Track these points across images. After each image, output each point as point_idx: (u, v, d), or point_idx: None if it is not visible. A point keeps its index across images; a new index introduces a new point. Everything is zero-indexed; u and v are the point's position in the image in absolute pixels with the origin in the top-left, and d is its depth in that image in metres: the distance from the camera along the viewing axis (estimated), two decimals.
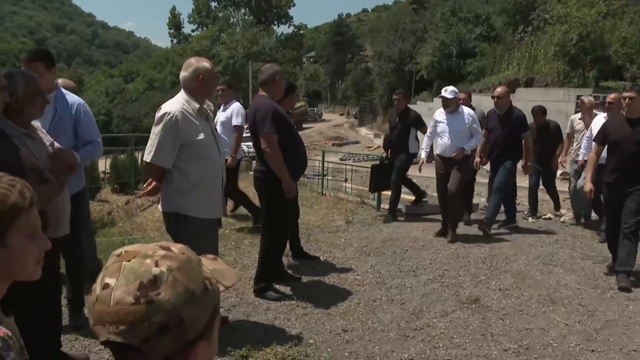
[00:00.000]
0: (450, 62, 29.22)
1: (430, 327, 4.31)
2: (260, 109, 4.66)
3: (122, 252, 0.99)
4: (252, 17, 60.21)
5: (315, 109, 58.71)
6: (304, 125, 43.38)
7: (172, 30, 63.53)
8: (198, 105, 3.73)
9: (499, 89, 7.54)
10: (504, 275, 5.60)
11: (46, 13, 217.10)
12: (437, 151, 7.06)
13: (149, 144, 3.65)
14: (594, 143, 5.84)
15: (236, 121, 7.12)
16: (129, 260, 0.95)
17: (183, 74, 3.77)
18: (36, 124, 3.29)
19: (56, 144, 3.30)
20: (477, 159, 7.31)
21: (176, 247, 1.01)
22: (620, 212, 5.34)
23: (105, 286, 0.93)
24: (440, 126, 6.97)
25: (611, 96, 7.00)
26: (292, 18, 61.16)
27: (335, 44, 69.43)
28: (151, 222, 7.46)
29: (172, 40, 66.68)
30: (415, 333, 4.21)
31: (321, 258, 6.13)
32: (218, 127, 6.75)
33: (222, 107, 7.48)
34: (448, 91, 6.88)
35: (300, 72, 66.44)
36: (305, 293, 5.00)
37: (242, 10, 61.36)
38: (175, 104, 3.68)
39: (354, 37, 73.88)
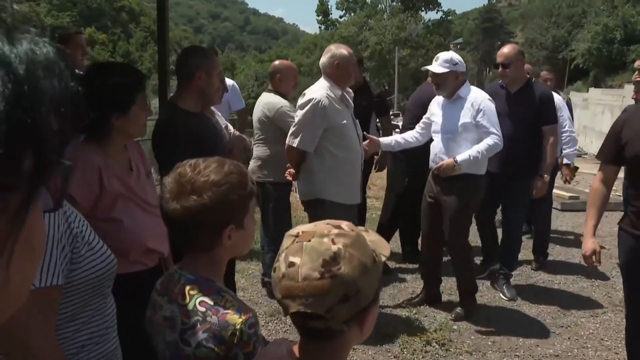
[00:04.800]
0: (611, 48, 27.19)
1: (578, 326, 4.25)
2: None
3: (299, 233, 1.11)
4: (399, 3, 59.98)
5: None
6: None
7: (321, 17, 65.10)
8: (340, 92, 3.85)
9: None
10: None
11: (204, 2, 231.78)
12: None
13: (293, 130, 3.81)
14: (600, 163, 3.19)
15: None
16: (309, 240, 1.08)
17: (322, 60, 3.92)
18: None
19: (230, 128, 3.66)
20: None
21: (345, 224, 1.13)
22: None
23: (291, 264, 1.06)
24: (434, 121, 4.40)
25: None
26: (440, 4, 60.13)
27: (484, 30, 67.15)
28: (299, 203, 7.85)
29: (320, 27, 68.37)
30: (561, 330, 4.18)
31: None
32: None
33: None
34: (439, 61, 4.21)
35: None
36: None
37: None
38: (320, 90, 3.81)
39: (504, 23, 70.91)
